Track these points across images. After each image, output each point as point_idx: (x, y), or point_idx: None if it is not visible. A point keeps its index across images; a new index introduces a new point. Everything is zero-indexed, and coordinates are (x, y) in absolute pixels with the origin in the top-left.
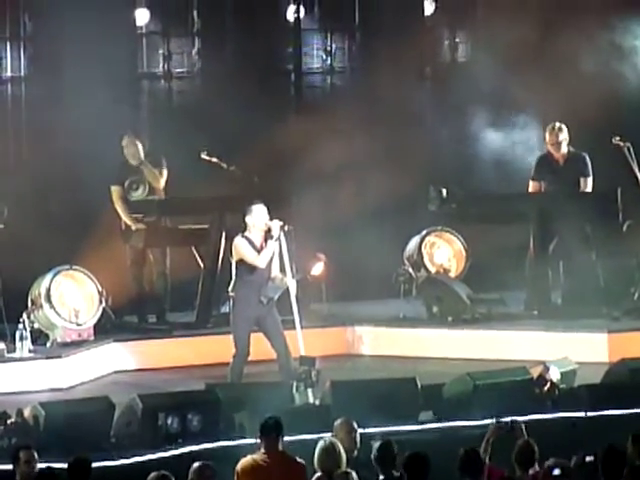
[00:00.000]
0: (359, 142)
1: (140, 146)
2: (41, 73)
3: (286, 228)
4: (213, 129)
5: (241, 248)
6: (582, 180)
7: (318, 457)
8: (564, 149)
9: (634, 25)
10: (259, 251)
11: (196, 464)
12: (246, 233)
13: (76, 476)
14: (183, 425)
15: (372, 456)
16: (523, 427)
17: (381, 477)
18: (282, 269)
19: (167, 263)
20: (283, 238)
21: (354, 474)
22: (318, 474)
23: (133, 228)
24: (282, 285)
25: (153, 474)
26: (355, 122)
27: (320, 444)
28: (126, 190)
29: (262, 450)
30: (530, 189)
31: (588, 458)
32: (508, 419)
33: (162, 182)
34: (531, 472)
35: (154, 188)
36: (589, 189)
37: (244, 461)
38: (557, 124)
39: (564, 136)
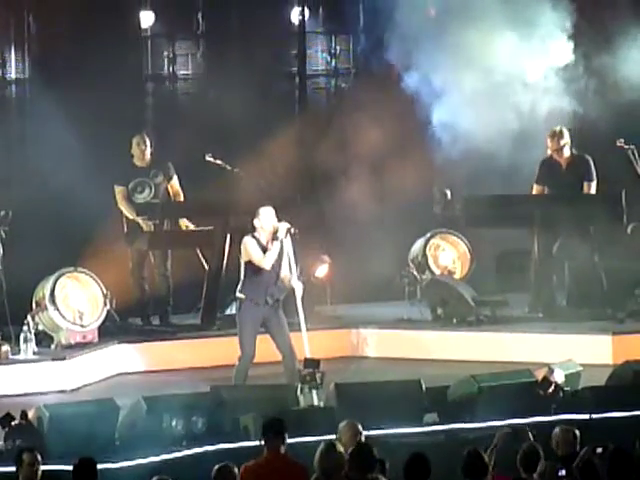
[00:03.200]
0: (363, 144)
1: (149, 147)
2: (45, 75)
3: (292, 231)
4: (217, 131)
5: (249, 247)
6: (586, 184)
7: (317, 458)
8: (567, 153)
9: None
10: (265, 252)
11: (218, 465)
12: (255, 234)
13: (82, 478)
14: (188, 427)
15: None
16: (529, 434)
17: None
18: (289, 271)
19: (168, 265)
20: (289, 241)
21: None
22: (316, 475)
23: (145, 228)
24: (288, 286)
25: (154, 479)
26: (359, 124)
27: (321, 446)
28: (130, 191)
29: (264, 452)
30: (533, 193)
31: (598, 450)
32: (513, 423)
33: (180, 193)
34: (536, 475)
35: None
36: (592, 193)
37: (246, 465)
38: (558, 128)
39: (565, 140)
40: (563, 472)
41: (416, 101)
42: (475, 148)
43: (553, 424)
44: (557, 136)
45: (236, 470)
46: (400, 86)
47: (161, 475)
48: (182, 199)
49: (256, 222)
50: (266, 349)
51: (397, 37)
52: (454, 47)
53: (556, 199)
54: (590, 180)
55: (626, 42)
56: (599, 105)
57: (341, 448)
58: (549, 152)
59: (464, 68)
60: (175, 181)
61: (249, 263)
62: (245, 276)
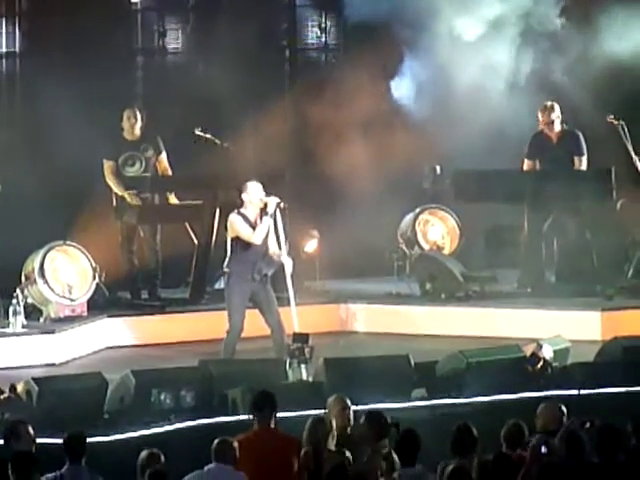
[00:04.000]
0: (353, 119)
1: (139, 122)
2: (36, 49)
3: (282, 205)
4: (207, 105)
5: (236, 225)
6: (576, 159)
7: (306, 433)
8: (557, 127)
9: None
10: (254, 227)
11: (217, 439)
12: (241, 210)
13: (72, 451)
14: (176, 401)
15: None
16: None
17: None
18: (277, 246)
19: (157, 239)
20: (279, 215)
21: (348, 453)
22: (305, 449)
23: (131, 202)
24: (277, 261)
25: (144, 453)
26: (349, 98)
27: (309, 420)
28: (121, 165)
29: (255, 426)
30: (524, 168)
31: (586, 425)
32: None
33: (168, 168)
34: (519, 451)
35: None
36: (584, 168)
37: (237, 438)
38: (549, 103)
39: (556, 114)
40: (544, 449)
41: (402, 76)
42: (459, 115)
43: (541, 400)
44: (548, 110)
45: (236, 444)
46: (388, 60)
47: (150, 449)
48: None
49: (244, 196)
50: (255, 323)
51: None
52: (441, 16)
53: (546, 175)
54: (581, 155)
55: (612, 17)
56: (581, 74)
57: (328, 423)
58: (540, 127)
59: (449, 35)
60: (164, 157)
61: (236, 239)
62: (232, 252)
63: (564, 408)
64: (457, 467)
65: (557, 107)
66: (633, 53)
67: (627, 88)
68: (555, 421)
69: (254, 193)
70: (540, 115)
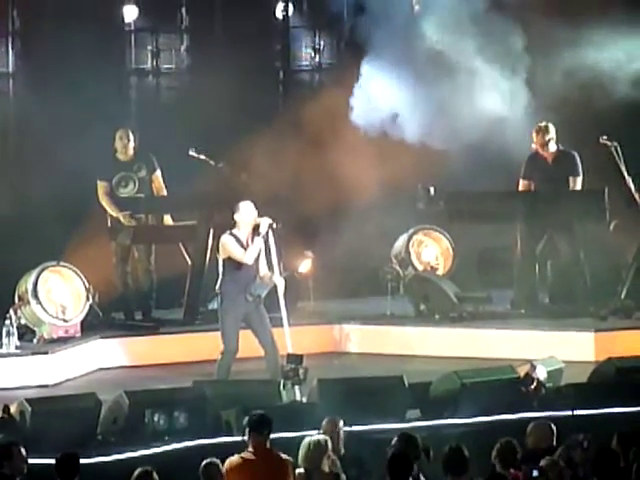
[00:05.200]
0: (347, 139)
1: (132, 142)
2: (29, 69)
3: (274, 226)
4: (201, 126)
5: (228, 245)
6: (571, 179)
7: (302, 452)
8: (552, 148)
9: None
10: (246, 248)
11: (204, 462)
12: (233, 230)
13: (64, 472)
14: (170, 422)
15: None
16: None
17: None
18: (270, 267)
19: (152, 260)
20: (271, 236)
21: (344, 476)
22: (299, 470)
23: (125, 223)
24: (270, 283)
25: (137, 470)
26: (344, 119)
27: (305, 440)
28: (114, 186)
29: (249, 447)
30: (520, 188)
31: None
32: None
33: (163, 187)
34: (512, 470)
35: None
36: (578, 188)
37: (231, 459)
38: (543, 124)
39: (551, 135)
40: (536, 473)
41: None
42: (454, 136)
43: (535, 421)
44: (542, 131)
45: (222, 467)
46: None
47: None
48: (165, 194)
49: (236, 216)
50: (249, 344)
51: (379, 31)
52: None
53: (540, 196)
54: (576, 175)
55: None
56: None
57: (325, 444)
58: (534, 147)
59: (441, 60)
60: (158, 174)
61: (228, 260)
62: (224, 273)
63: (554, 427)
64: None
65: (552, 128)
66: (612, 69)
67: (606, 105)
68: (546, 439)
69: (246, 213)
70: (535, 136)
